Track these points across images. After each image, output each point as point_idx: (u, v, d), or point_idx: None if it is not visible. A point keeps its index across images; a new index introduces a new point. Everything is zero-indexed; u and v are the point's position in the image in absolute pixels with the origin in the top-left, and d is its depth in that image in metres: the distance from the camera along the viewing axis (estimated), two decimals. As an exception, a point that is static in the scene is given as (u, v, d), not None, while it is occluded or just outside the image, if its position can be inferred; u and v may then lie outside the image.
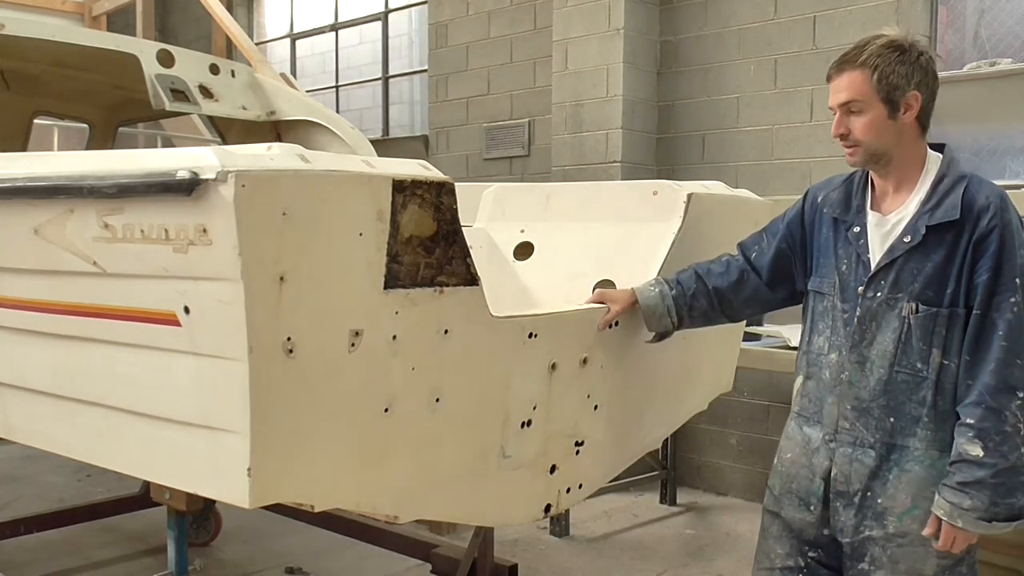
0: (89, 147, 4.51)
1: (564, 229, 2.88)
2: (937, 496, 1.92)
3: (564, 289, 2.77)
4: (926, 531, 1.93)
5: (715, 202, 2.71)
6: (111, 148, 4.48)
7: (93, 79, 4.05)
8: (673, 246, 2.52)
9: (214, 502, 3.78)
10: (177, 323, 1.65)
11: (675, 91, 5.36)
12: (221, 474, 1.69)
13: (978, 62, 4.35)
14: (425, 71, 7.03)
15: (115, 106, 4.45)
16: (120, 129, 4.66)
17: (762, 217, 3.07)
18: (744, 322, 3.03)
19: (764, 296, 2.27)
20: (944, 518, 1.89)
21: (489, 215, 3.08)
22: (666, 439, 4.52)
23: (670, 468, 5.05)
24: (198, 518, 4.13)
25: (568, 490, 2.40)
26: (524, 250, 2.97)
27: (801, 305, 2.23)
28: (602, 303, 2.34)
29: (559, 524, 4.44)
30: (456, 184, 1.84)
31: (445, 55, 6.64)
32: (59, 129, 5.99)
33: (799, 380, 2.18)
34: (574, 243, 2.83)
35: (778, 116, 4.94)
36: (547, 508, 2.35)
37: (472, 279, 1.90)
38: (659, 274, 2.47)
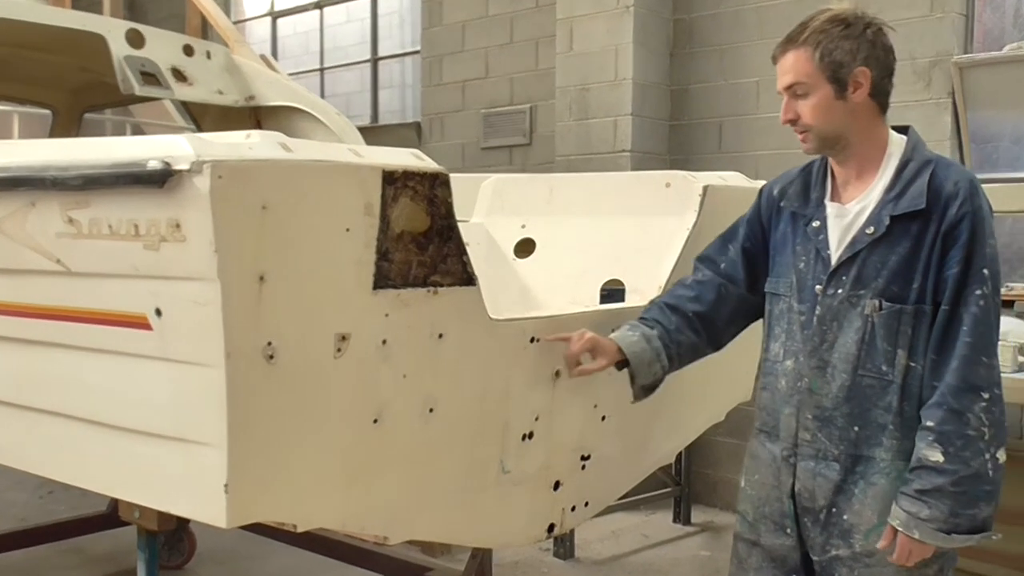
0: (52, 135, 4.51)
1: (569, 224, 2.88)
2: (894, 505, 1.91)
3: (569, 289, 2.77)
4: (881, 543, 1.92)
5: (733, 194, 2.71)
6: (76, 136, 4.48)
7: (56, 61, 4.05)
8: (688, 242, 2.52)
9: (188, 521, 3.78)
10: (148, 326, 1.66)
11: (689, 74, 5.36)
12: (196, 491, 1.69)
13: (1019, 42, 4.35)
14: (417, 52, 7.03)
15: (80, 90, 4.45)
16: (86, 115, 4.65)
17: (784, 211, 3.07)
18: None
19: (749, 304, 2.22)
20: (900, 529, 1.88)
21: (487, 209, 3.08)
22: (680, 452, 4.52)
23: (684, 484, 5.05)
24: (170, 539, 4.13)
25: (573, 508, 2.40)
26: (525, 247, 2.97)
27: None
28: (590, 350, 2.17)
29: (563, 545, 4.44)
30: (451, 175, 1.84)
31: (439, 35, 6.65)
32: (19, 115, 5.98)
33: (758, 392, 2.17)
34: (580, 239, 2.83)
35: (802, 101, 4.93)
36: (550, 528, 2.35)
37: (469, 278, 1.90)
38: (671, 274, 2.47)
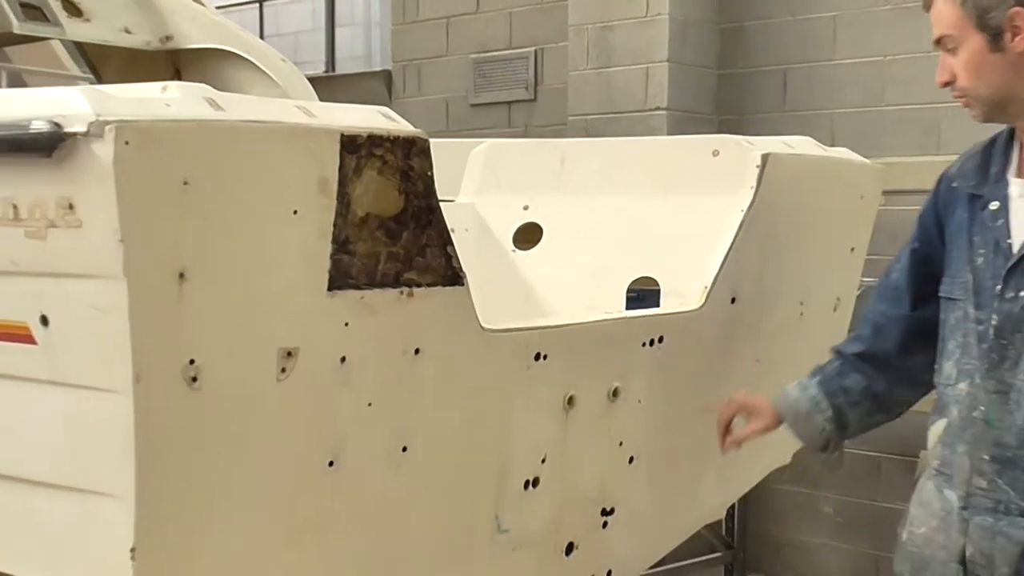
0: (-95, 87, 4.51)
1: (585, 205, 2.88)
2: None
3: (585, 290, 2.77)
4: None
5: (802, 166, 2.72)
6: (-63, 89, 4.47)
7: (-89, -9, 4.04)
8: (742, 228, 2.52)
9: (84, 596, 3.78)
10: (31, 339, 1.65)
11: (744, 8, 5.36)
12: (93, 556, 1.69)
13: None
14: (387, -21, 7.03)
15: (-57, 29, 4.44)
16: (-50, 62, 4.65)
17: (868, 187, 3.08)
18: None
19: (918, 324, 2.24)
20: None
21: (479, 185, 3.08)
22: (733, 506, 4.52)
23: (738, 548, 5.05)
24: (61, 619, 4.12)
25: (592, 579, 2.41)
26: (529, 235, 2.98)
27: None
28: (741, 410, 2.38)
29: (578, 627, 4.44)
30: (432, 140, 1.84)
31: (415, -44, 6.65)
32: None
33: (936, 422, 2.19)
34: (600, 225, 2.83)
35: (892, 42, 4.94)
36: (562, 604, 2.36)
37: (454, 276, 1.90)
38: (721, 270, 2.48)
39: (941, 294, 2.16)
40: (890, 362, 2.29)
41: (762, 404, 2.38)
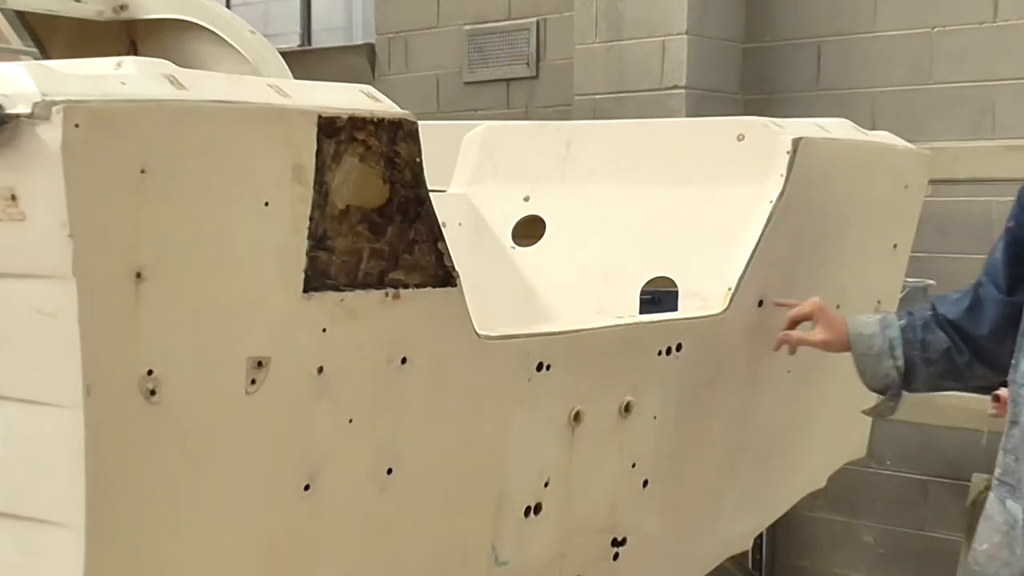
0: None
1: (594, 195, 2.88)
2: None
3: (594, 291, 2.77)
4: None
5: (838, 151, 2.72)
6: None
7: None
8: (771, 222, 2.53)
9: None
10: (-31, 347, 1.66)
11: (773, -27, 5.36)
12: (40, 591, 1.69)
13: None
14: (370, -60, 7.03)
15: None
16: None
17: (913, 175, 3.07)
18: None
19: (1011, 311, 2.27)
20: None
21: (474, 173, 3.08)
22: (760, 535, 4.52)
23: (766, 582, 5.06)
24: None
25: (601, 617, 2.41)
26: (530, 229, 2.98)
27: None
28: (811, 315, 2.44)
29: (586, 672, 4.44)
30: (421, 123, 1.84)
31: (402, -86, 6.65)
32: None
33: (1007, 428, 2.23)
34: (609, 218, 2.83)
35: (940, 12, 4.94)
36: (567, 646, 2.36)
37: (445, 276, 1.90)
38: (747, 268, 2.48)
39: None
40: (979, 341, 2.34)
41: (838, 321, 2.45)
